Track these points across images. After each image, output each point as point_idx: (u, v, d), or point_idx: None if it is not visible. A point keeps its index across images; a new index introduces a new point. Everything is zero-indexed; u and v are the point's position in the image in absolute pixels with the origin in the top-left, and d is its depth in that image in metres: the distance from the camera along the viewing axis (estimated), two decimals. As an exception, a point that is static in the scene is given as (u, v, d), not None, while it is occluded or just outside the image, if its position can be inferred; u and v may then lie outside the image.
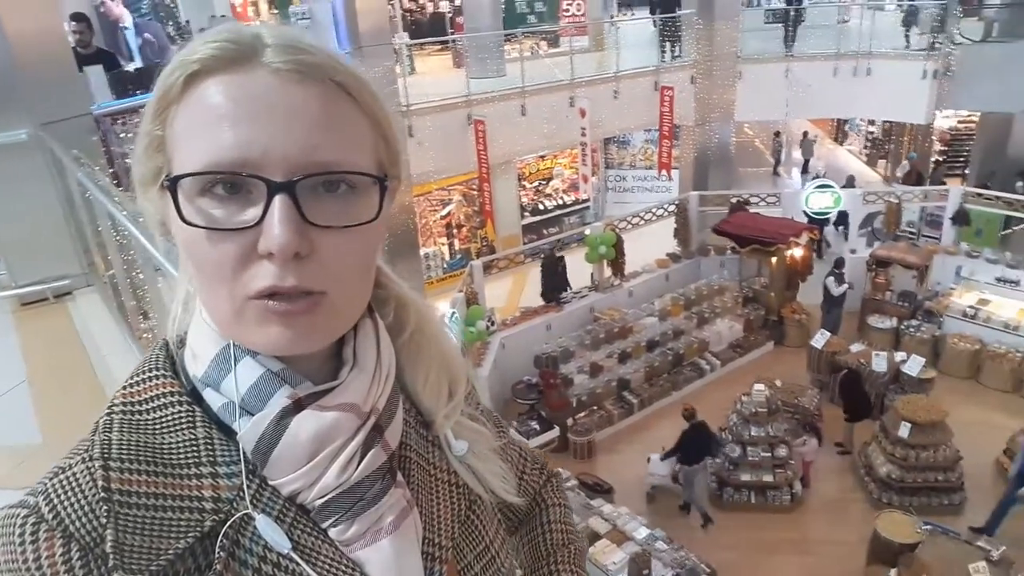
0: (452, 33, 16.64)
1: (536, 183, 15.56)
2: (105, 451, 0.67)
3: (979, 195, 11.25)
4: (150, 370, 0.75)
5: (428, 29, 17.79)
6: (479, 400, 0.98)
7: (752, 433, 7.84)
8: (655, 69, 13.92)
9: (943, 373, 9.27)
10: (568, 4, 17.58)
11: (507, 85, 12.70)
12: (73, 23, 6.30)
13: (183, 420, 0.70)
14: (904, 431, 7.58)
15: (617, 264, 10.99)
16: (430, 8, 24.47)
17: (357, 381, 0.73)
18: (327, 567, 0.71)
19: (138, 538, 0.64)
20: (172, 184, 0.63)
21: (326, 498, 0.71)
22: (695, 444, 7.52)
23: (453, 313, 7.82)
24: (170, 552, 0.65)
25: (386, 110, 0.71)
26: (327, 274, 0.64)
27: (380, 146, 0.71)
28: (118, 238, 3.57)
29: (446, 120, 11.87)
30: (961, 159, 16.59)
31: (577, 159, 14.39)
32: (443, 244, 13.86)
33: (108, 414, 0.71)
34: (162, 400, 0.72)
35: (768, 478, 7.76)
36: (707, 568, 6.24)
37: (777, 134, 17.54)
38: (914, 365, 8.95)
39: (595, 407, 9.35)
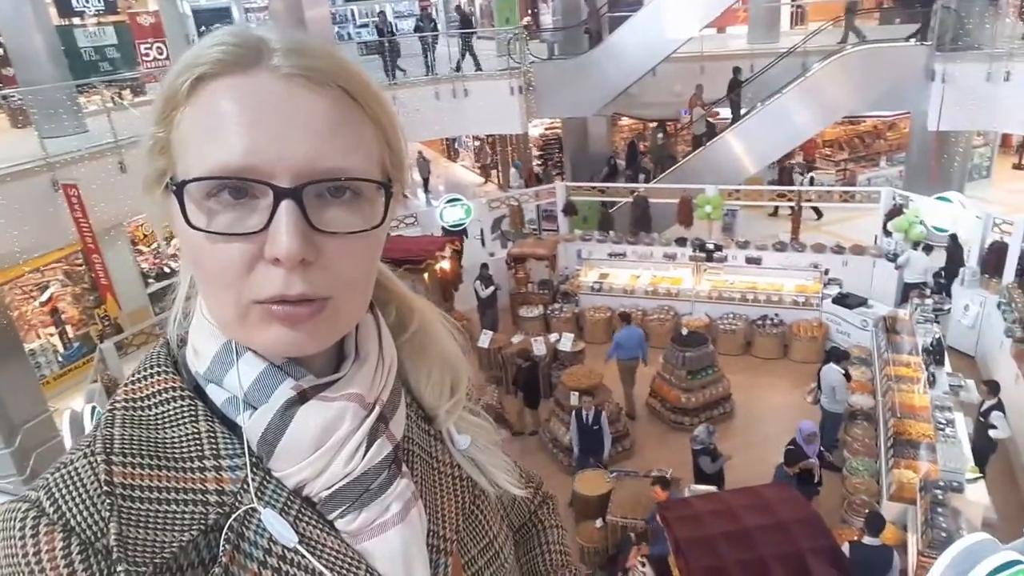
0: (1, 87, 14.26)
1: (155, 245, 14.15)
2: (107, 446, 0.69)
3: (578, 187, 13.42)
4: (151, 367, 0.76)
5: (-42, 85, 15.01)
6: (479, 397, 1.00)
7: (450, 442, 8.21)
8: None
9: (589, 342, 10.80)
10: (147, 49, 16.40)
11: (95, 141, 11.35)
12: None
13: (185, 415, 0.72)
14: (574, 399, 8.66)
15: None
16: (-44, 61, 20.58)
17: (360, 373, 0.75)
18: (332, 559, 0.71)
19: (141, 531, 0.65)
20: (179, 188, 0.64)
21: (333, 488, 0.72)
22: None
23: (94, 407, 6.73)
24: (174, 545, 0.66)
25: (391, 115, 0.72)
26: (332, 279, 0.66)
27: (384, 151, 0.72)
28: None
29: (22, 189, 10.13)
30: (556, 159, 19.55)
31: (199, 212, 13.47)
32: (51, 335, 11.80)
33: (110, 410, 0.73)
34: (164, 396, 0.73)
35: (474, 480, 8.21)
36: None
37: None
38: (566, 342, 10.30)
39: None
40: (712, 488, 7.07)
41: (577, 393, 8.63)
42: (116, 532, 0.64)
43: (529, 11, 20.57)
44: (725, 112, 14.72)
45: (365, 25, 23.73)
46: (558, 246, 12.42)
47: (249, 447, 0.70)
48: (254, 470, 0.70)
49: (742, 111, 13.90)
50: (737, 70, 14.18)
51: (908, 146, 15.13)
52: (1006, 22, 12.03)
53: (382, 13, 15.93)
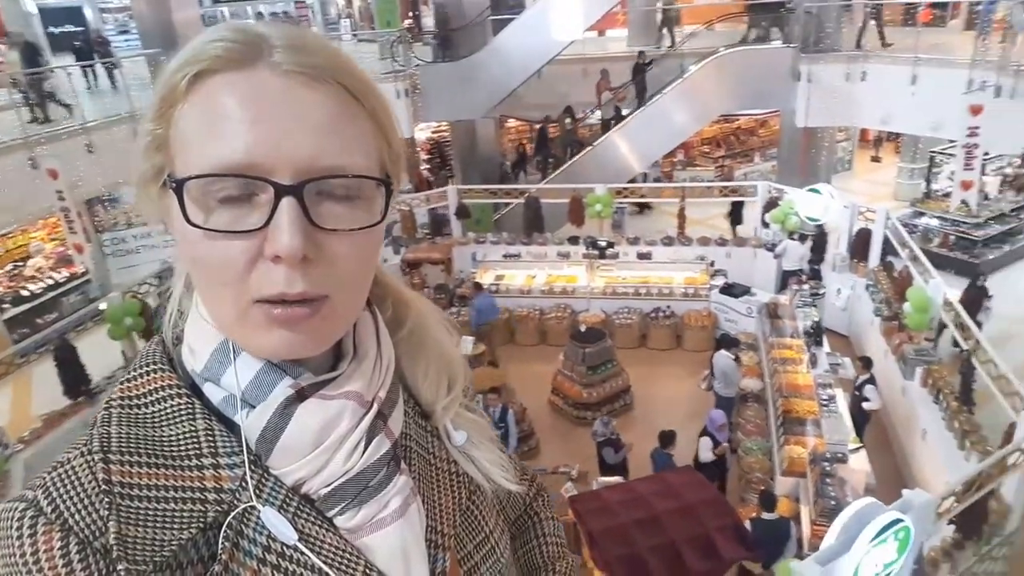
0: None
1: (9, 267, 13.07)
2: (104, 444, 0.69)
3: (470, 190, 13.50)
4: (147, 364, 0.76)
5: None
6: (474, 394, 0.99)
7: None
8: (130, 115, 12.97)
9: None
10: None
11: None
12: None
13: (183, 412, 0.72)
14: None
15: (151, 333, 10.05)
16: None
17: (359, 371, 0.76)
18: (332, 555, 0.72)
19: (141, 530, 0.65)
20: (178, 186, 0.64)
21: (332, 486, 0.74)
22: None
23: (-52, 445, 6.15)
24: (173, 543, 0.66)
25: (389, 112, 0.73)
26: (333, 277, 0.67)
27: (383, 148, 0.72)
28: None
29: None
30: (439, 162, 19.56)
31: (62, 228, 12.54)
32: None
33: (106, 408, 0.73)
34: (161, 393, 0.73)
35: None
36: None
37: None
38: (467, 345, 10.31)
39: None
40: (619, 479, 7.30)
41: (482, 395, 8.69)
42: (115, 531, 0.64)
43: (411, 13, 20.48)
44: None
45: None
46: (452, 249, 12.45)
47: (247, 445, 0.71)
48: (252, 468, 0.70)
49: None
50: (641, 54, 14.77)
51: (779, 142, 16.15)
52: (858, 27, 13.09)
53: (260, 15, 15.39)
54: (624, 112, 14.35)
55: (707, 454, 7.25)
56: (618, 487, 6.60)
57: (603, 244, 11.66)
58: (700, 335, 10.70)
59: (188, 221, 0.64)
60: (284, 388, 0.71)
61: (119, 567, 0.63)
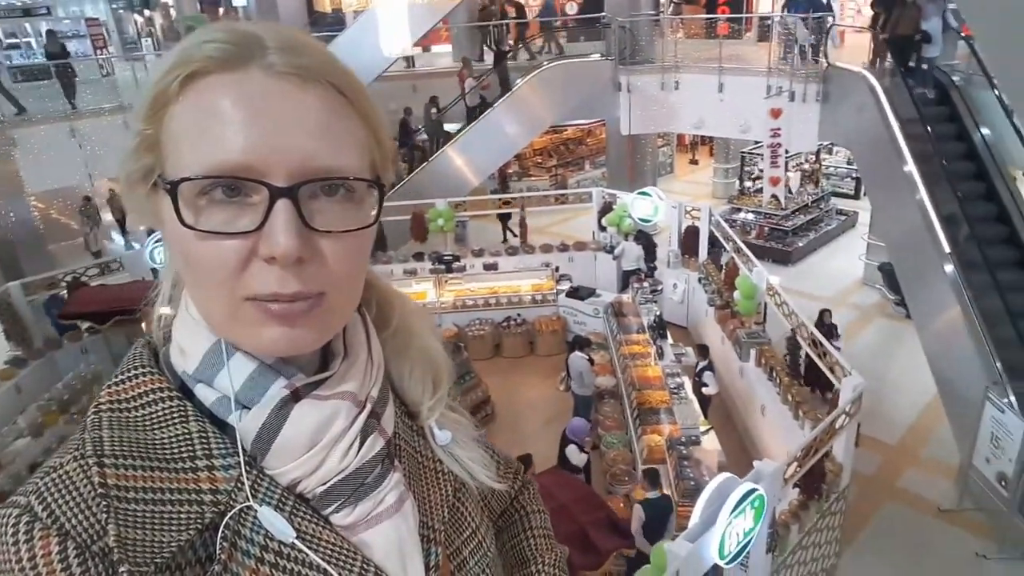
0: None
1: None
2: (98, 448, 0.69)
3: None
4: (135, 367, 0.76)
5: None
6: (456, 394, 0.99)
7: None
8: None
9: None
10: None
11: None
12: None
13: (175, 415, 0.72)
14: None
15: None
16: None
17: (352, 371, 0.78)
18: (329, 552, 0.74)
19: (139, 532, 0.65)
20: (172, 187, 0.64)
21: (328, 484, 0.75)
22: None
23: None
24: (173, 545, 0.66)
25: (379, 113, 0.74)
26: (326, 276, 0.68)
27: (374, 149, 0.73)
28: None
29: None
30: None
31: None
32: None
33: (95, 412, 0.73)
34: (151, 396, 0.74)
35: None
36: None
37: (88, 199, 16.52)
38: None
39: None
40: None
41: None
42: (115, 534, 0.64)
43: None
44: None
45: (17, 46, 20.79)
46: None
47: (243, 446, 0.72)
48: (247, 468, 0.71)
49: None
50: (499, 43, 15.05)
51: (607, 150, 17.11)
52: (669, 40, 14.21)
53: (51, 32, 14.14)
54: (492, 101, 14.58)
55: (579, 457, 7.46)
56: (491, 496, 6.68)
57: (449, 258, 11.76)
58: (552, 339, 11.08)
59: (182, 222, 0.64)
60: (279, 389, 0.72)
61: (121, 569, 0.63)
